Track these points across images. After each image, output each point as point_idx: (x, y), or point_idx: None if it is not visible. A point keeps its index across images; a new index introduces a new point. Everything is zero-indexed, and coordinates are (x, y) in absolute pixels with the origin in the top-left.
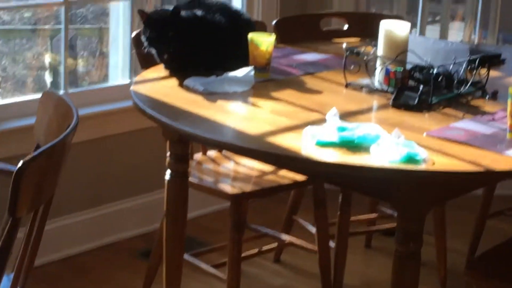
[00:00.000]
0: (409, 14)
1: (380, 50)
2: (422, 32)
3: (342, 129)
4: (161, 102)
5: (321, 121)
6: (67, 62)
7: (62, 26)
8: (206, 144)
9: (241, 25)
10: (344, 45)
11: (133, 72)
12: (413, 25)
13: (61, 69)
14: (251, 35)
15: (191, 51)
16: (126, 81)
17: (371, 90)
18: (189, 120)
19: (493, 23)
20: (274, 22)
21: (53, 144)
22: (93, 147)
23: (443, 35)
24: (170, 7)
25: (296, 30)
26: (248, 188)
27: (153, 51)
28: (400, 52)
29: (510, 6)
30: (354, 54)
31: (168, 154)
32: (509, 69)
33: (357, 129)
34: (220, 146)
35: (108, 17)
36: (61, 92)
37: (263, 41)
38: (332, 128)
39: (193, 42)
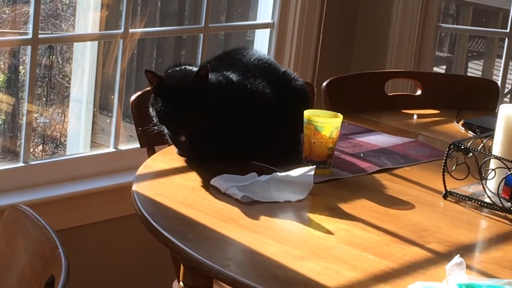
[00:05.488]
0: None
1: (497, 146)
2: None
3: None
4: (179, 216)
5: (426, 262)
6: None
7: (27, 67)
8: None
9: (293, 96)
10: (449, 144)
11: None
12: None
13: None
14: (308, 114)
15: (220, 134)
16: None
17: (482, 205)
18: (217, 248)
19: None
20: (325, 83)
21: None
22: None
23: None
24: (191, 66)
25: (352, 95)
26: None
27: (165, 130)
28: None
29: None
30: (461, 152)
31: (180, 285)
32: None
33: None
34: None
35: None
36: (21, 164)
37: (327, 124)
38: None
39: (224, 121)
